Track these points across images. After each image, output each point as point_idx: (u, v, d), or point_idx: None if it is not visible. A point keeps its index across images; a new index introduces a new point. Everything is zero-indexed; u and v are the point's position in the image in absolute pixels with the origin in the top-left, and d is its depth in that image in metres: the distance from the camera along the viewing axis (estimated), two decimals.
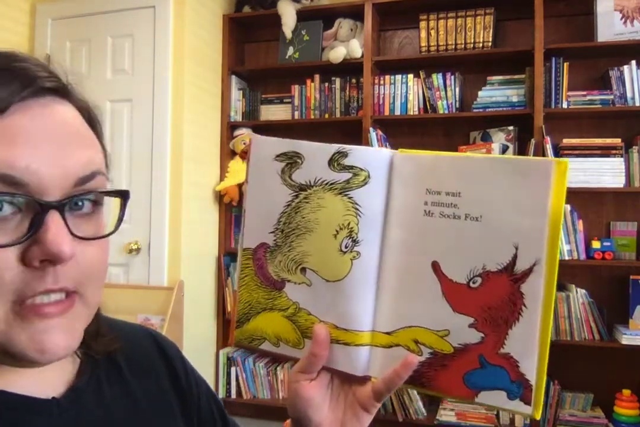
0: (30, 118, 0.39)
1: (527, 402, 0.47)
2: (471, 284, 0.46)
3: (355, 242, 0.49)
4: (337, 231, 0.50)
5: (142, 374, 0.58)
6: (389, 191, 0.49)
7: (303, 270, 0.52)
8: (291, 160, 0.53)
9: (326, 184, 0.50)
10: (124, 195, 0.46)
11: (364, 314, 0.50)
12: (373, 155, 0.50)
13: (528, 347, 0.46)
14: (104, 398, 0.52)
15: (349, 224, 0.49)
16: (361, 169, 0.49)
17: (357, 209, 0.49)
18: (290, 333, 0.54)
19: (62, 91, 0.43)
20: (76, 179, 0.41)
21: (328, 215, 0.50)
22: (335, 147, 0.50)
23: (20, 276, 0.39)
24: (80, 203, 0.42)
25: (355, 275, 0.50)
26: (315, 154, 0.51)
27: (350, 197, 0.49)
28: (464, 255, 0.46)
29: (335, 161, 0.50)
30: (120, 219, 0.45)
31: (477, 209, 0.46)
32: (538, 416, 0.47)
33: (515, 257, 0.45)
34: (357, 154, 0.50)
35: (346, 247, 0.49)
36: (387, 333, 0.50)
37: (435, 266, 0.47)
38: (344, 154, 0.50)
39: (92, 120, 0.46)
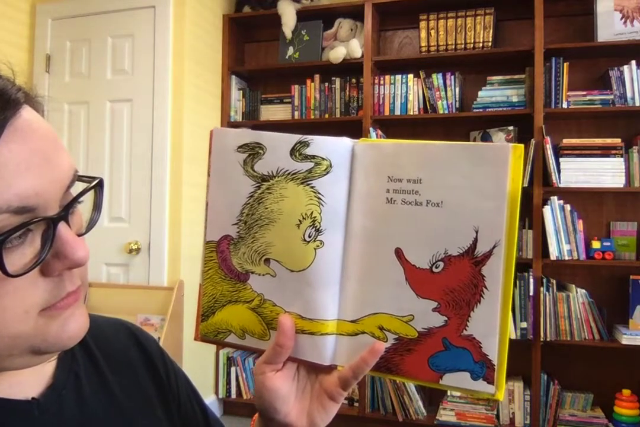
0: (22, 142, 0.38)
1: (490, 382, 0.47)
2: (434, 269, 0.47)
3: (318, 231, 0.49)
4: (300, 221, 0.50)
5: (120, 368, 0.58)
6: (351, 180, 0.49)
7: (267, 261, 0.52)
8: (253, 151, 0.52)
9: (288, 174, 0.50)
10: (101, 186, 0.46)
11: (328, 303, 0.50)
12: (334, 145, 0.50)
13: (490, 327, 0.47)
14: (84, 395, 0.52)
15: (311, 213, 0.49)
16: (323, 159, 0.49)
17: (319, 198, 0.49)
18: (255, 325, 0.54)
19: (26, 98, 0.42)
20: (66, 186, 0.42)
21: (291, 205, 0.50)
22: (296, 137, 0.50)
23: (44, 289, 0.41)
24: (75, 207, 0.44)
25: (319, 264, 0.50)
26: (277, 144, 0.51)
27: (312, 187, 0.49)
28: (426, 241, 0.47)
29: (297, 151, 0.50)
30: (100, 207, 0.47)
31: (437, 195, 0.46)
32: (501, 397, 0.47)
33: (475, 240, 0.46)
34: (319, 143, 0.50)
35: (309, 236, 0.49)
36: (353, 321, 0.50)
37: (399, 253, 0.48)
38: (306, 144, 0.50)
39: (42, 112, 0.45)
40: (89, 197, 0.45)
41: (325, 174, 0.49)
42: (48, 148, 0.40)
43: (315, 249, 0.49)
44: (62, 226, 0.41)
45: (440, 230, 0.47)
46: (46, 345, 0.42)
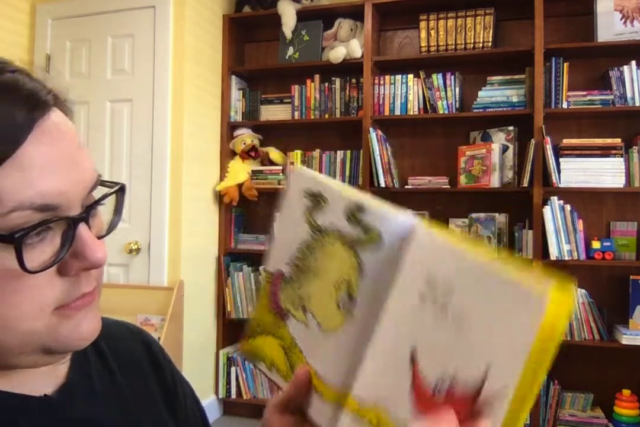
0: (49, 143, 0.40)
1: None
2: (436, 393, 0.43)
3: (351, 300, 0.48)
4: (339, 284, 0.49)
5: (130, 370, 0.59)
6: (396, 261, 0.45)
7: (305, 310, 0.52)
8: (316, 201, 0.52)
9: (339, 233, 0.49)
10: (123, 191, 0.48)
11: (343, 373, 0.48)
12: (390, 219, 0.47)
13: None
14: (95, 395, 0.53)
15: (350, 279, 0.48)
16: (373, 231, 0.47)
17: (361, 266, 0.47)
18: (282, 363, 0.54)
19: (55, 101, 0.43)
20: (89, 188, 0.44)
21: (335, 265, 0.49)
22: (353, 198, 0.49)
23: (60, 288, 0.42)
24: (96, 209, 0.45)
25: (343, 334, 0.48)
26: (337, 200, 0.50)
27: (357, 253, 0.48)
28: (440, 355, 0.43)
29: (351, 213, 0.49)
30: (120, 211, 0.48)
31: (462, 314, 0.42)
32: None
33: (484, 376, 0.41)
34: (375, 212, 0.47)
35: (342, 303, 0.48)
36: (359, 402, 0.47)
37: (414, 357, 0.44)
38: (361, 209, 0.48)
39: (71, 116, 0.45)
40: (110, 202, 0.47)
41: (372, 245, 0.47)
42: (73, 151, 0.42)
43: (344, 316, 0.48)
44: (82, 227, 0.42)
45: (456, 351, 0.42)
46: (57, 345, 0.43)
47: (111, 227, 0.47)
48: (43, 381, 0.49)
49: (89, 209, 0.43)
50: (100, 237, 0.45)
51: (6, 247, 0.38)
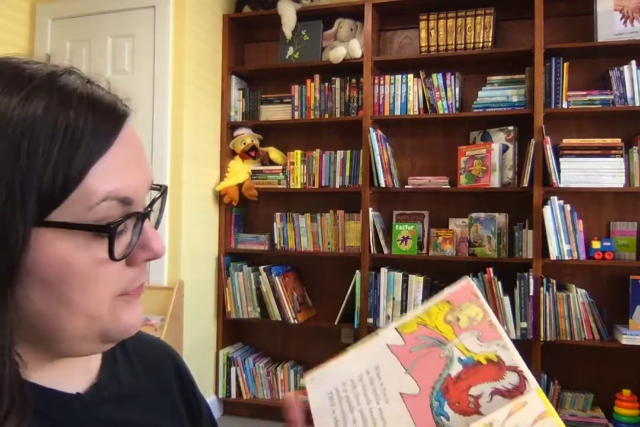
0: (129, 147, 0.46)
1: None
2: None
3: None
4: None
5: (155, 381, 0.61)
6: None
7: None
8: None
9: None
10: (166, 192, 0.54)
11: None
12: None
13: None
14: (122, 395, 0.55)
15: None
16: None
17: None
18: None
19: (130, 112, 0.49)
20: (150, 188, 0.50)
21: None
22: None
23: (127, 277, 0.47)
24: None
25: None
26: None
27: None
28: None
29: None
30: (163, 209, 0.54)
31: None
32: None
33: None
34: None
35: None
36: None
37: None
38: None
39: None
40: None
41: None
42: (143, 155, 0.48)
43: None
44: (146, 222, 0.47)
45: None
46: (116, 330, 0.47)
47: (157, 223, 0.53)
48: (75, 378, 0.51)
49: (150, 206, 0.49)
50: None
51: (97, 237, 0.43)
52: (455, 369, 0.52)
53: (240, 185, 3.05)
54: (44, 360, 0.48)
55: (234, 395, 3.06)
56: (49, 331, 0.44)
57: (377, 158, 2.78)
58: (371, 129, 2.80)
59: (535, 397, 0.47)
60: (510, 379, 0.49)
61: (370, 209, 2.85)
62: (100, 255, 0.43)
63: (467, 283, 0.58)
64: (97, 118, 0.43)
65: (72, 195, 0.41)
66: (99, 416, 0.51)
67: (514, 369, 0.50)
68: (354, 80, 2.98)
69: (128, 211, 0.45)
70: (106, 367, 0.55)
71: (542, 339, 2.56)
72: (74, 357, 0.49)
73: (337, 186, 2.97)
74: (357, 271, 2.85)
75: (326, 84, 3.03)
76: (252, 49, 3.34)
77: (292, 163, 3.04)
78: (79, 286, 0.43)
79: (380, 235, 2.87)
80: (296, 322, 2.93)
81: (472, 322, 0.55)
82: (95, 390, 0.52)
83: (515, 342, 0.52)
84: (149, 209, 0.48)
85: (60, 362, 0.49)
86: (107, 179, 0.43)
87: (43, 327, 0.44)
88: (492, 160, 2.70)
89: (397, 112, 2.88)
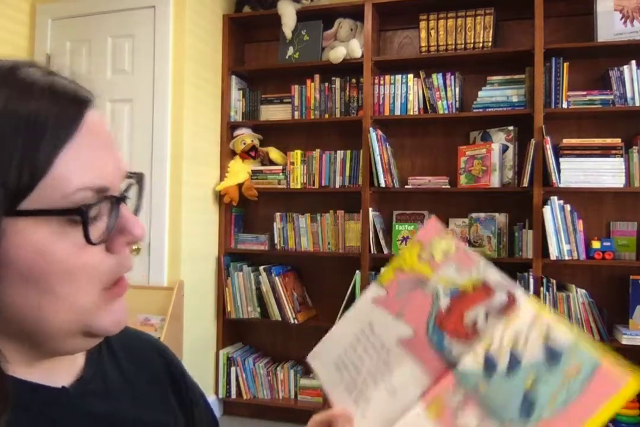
0: (97, 134, 0.46)
1: None
2: None
3: None
4: None
5: (143, 376, 0.61)
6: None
7: None
8: None
9: None
10: (143, 178, 0.53)
11: None
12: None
13: None
14: (109, 391, 0.55)
15: None
16: None
17: None
18: None
19: (94, 99, 0.48)
20: (125, 174, 0.49)
21: None
22: None
23: (109, 264, 0.46)
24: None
25: None
26: None
27: None
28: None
29: None
30: (142, 196, 0.53)
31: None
32: None
33: None
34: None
35: None
36: None
37: None
38: None
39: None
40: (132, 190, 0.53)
41: None
42: (112, 140, 0.48)
43: None
44: (123, 206, 0.47)
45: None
46: (97, 327, 0.47)
47: (136, 210, 0.51)
48: (62, 373, 0.51)
49: (126, 191, 0.49)
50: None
51: (72, 223, 0.43)
52: (444, 302, 0.53)
53: (240, 185, 3.05)
54: (32, 358, 0.48)
55: (234, 395, 3.06)
56: (34, 326, 0.44)
57: (377, 158, 2.78)
58: (371, 129, 2.80)
59: (525, 305, 0.48)
60: (500, 298, 0.50)
61: (370, 209, 2.85)
62: (78, 240, 0.43)
63: (432, 221, 0.59)
64: (59, 107, 0.43)
65: (42, 184, 0.41)
66: (84, 409, 0.51)
67: (500, 287, 0.51)
68: (354, 80, 2.98)
69: (103, 197, 0.45)
70: (91, 362, 0.55)
71: None
72: (60, 355, 0.49)
73: (337, 186, 2.97)
74: (357, 271, 2.85)
75: (326, 84, 3.03)
76: (252, 49, 3.34)
77: (292, 163, 3.04)
78: (60, 276, 0.43)
79: (380, 235, 2.87)
80: (296, 322, 2.93)
81: (446, 255, 0.56)
82: (81, 384, 0.52)
83: None
84: (125, 193, 0.48)
85: (47, 360, 0.49)
86: (79, 168, 0.43)
87: (27, 322, 0.44)
88: (492, 160, 2.70)
89: (397, 112, 2.88)
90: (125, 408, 0.55)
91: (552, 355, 0.47)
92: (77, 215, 0.42)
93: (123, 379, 0.58)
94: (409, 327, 0.54)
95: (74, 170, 0.43)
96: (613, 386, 0.45)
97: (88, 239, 0.43)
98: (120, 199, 0.47)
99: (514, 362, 0.48)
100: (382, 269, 0.57)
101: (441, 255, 0.56)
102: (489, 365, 0.49)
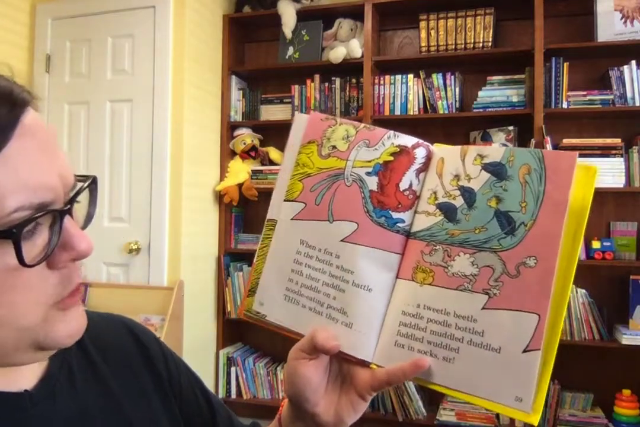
0: (32, 138, 0.41)
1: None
2: None
3: None
4: None
5: (115, 361, 0.58)
6: None
7: None
8: None
9: None
10: (95, 183, 0.48)
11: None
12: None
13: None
14: (77, 387, 0.52)
15: None
16: None
17: None
18: None
19: (30, 98, 0.43)
20: (72, 183, 0.44)
21: None
22: None
23: (52, 282, 0.42)
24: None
25: None
26: None
27: None
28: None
29: None
30: (95, 202, 0.48)
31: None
32: (536, 422, 0.47)
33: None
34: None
35: None
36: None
37: None
38: None
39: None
40: (83, 195, 0.47)
41: None
42: (54, 145, 0.43)
43: None
44: (67, 219, 0.43)
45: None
46: (49, 341, 0.43)
47: (88, 218, 0.47)
48: (24, 376, 0.49)
49: (71, 202, 0.44)
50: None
51: (4, 243, 0.38)
52: (372, 182, 0.52)
53: (240, 185, 3.05)
54: None
55: (234, 395, 3.06)
56: None
57: None
58: None
59: (444, 148, 0.52)
60: (420, 154, 0.51)
61: None
62: (11, 261, 0.39)
63: (313, 116, 0.57)
64: None
65: None
66: (51, 410, 0.48)
67: (416, 145, 0.52)
68: (354, 80, 2.98)
69: (42, 212, 0.40)
70: (55, 359, 0.52)
71: None
72: (15, 366, 0.46)
73: None
74: None
75: (326, 84, 3.03)
76: (252, 49, 3.34)
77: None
78: None
79: None
80: None
81: (348, 140, 0.54)
82: (45, 384, 0.50)
83: None
84: (69, 205, 0.43)
85: (3, 368, 0.47)
86: (15, 185, 0.38)
87: None
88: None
89: (397, 112, 2.88)
90: (97, 402, 0.53)
91: (496, 169, 0.48)
92: (6, 238, 0.38)
93: (93, 370, 0.55)
94: (348, 222, 0.52)
95: (9, 187, 0.38)
96: (567, 161, 0.46)
97: (22, 262, 0.39)
98: (64, 212, 0.42)
99: (468, 194, 0.49)
100: (285, 186, 0.56)
101: (343, 142, 0.54)
102: (448, 210, 0.49)
